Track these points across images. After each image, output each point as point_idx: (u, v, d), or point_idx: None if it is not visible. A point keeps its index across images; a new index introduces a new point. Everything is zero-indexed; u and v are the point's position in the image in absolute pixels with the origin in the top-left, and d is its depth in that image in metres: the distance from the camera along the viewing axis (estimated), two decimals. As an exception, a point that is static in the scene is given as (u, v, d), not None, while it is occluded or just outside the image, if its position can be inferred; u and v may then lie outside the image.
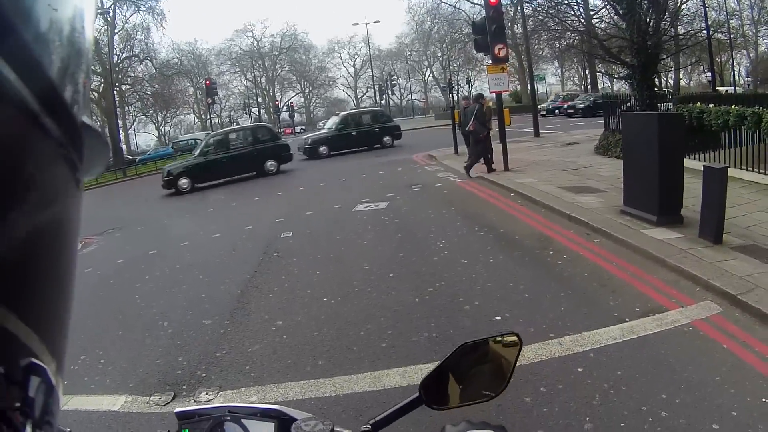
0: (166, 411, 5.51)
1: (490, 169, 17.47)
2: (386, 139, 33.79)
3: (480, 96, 19.34)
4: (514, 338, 1.43)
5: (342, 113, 38.88)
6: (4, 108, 0.38)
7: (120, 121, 62.71)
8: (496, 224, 11.19)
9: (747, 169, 11.46)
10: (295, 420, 1.51)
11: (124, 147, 58.29)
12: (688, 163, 10.44)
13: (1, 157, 0.38)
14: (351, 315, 7.39)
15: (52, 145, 0.44)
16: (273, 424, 1.52)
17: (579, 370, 5.28)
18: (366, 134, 33.67)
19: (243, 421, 1.53)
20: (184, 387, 5.96)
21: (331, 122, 35.75)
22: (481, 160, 17.68)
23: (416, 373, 5.60)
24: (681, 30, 20.91)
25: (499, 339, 1.45)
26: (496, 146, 17.79)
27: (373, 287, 8.34)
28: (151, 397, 5.81)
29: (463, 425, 1.26)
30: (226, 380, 5.99)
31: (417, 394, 1.39)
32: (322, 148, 31.41)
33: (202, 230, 14.62)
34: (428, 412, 1.48)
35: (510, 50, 20.04)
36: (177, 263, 11.35)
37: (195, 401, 5.61)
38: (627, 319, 6.27)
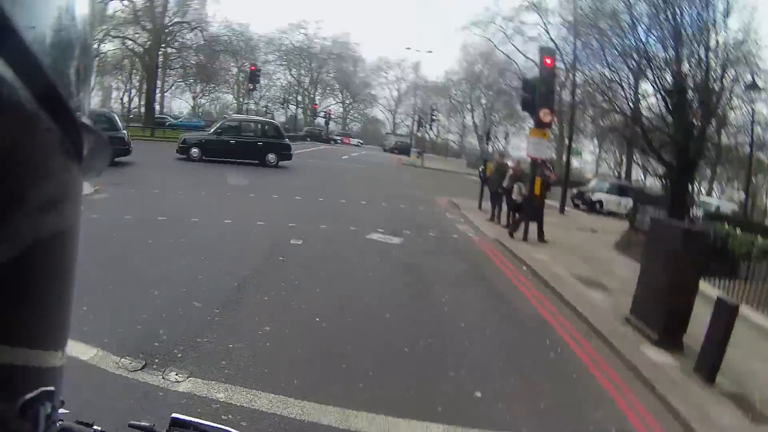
0: (132, 377, 5.51)
1: (512, 234, 17.55)
2: (270, 156, 30.59)
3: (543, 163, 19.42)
4: None
5: (227, 116, 40.18)
6: (4, 108, 0.38)
7: (159, 82, 63.14)
8: (502, 295, 11.07)
9: (759, 311, 11.13)
10: None
11: (158, 107, 58.53)
12: (703, 285, 10.19)
13: (2, 157, 0.39)
14: (338, 345, 7.30)
15: (53, 144, 0.45)
16: None
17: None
18: (246, 146, 30.31)
19: None
20: (156, 360, 5.92)
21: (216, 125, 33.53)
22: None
23: (384, 424, 5.54)
24: (725, 140, 20.73)
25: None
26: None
27: (367, 323, 8.28)
28: (122, 359, 5.80)
29: None
30: (200, 368, 5.93)
31: None
32: (194, 151, 29.31)
33: (215, 212, 14.61)
34: None
35: (554, 117, 19.83)
36: (183, 237, 11.33)
37: (163, 377, 5.58)
38: (601, 438, 6.16)
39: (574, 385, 7.47)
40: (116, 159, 21.95)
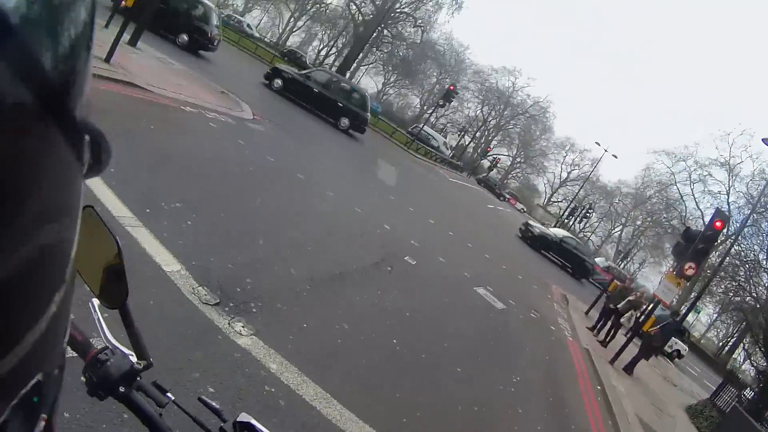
0: (200, 308, 5.50)
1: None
2: (344, 121, 30.46)
3: (675, 314, 20.55)
4: None
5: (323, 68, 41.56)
6: (4, 108, 0.38)
7: (361, 54, 64.97)
8: (567, 412, 10.16)
9: None
10: None
11: (348, 74, 60.14)
12: None
13: (2, 157, 0.38)
14: (406, 377, 7.12)
15: (53, 144, 0.44)
16: None
17: None
18: (326, 101, 29.94)
19: None
20: (230, 304, 5.89)
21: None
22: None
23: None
24: None
25: None
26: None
27: (437, 370, 8.00)
28: (200, 288, 5.80)
29: None
30: (267, 331, 5.85)
31: None
32: (277, 81, 29.21)
33: (354, 195, 14.74)
34: None
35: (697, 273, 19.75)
36: (331, 190, 11.49)
37: (229, 323, 5.55)
38: None
39: None
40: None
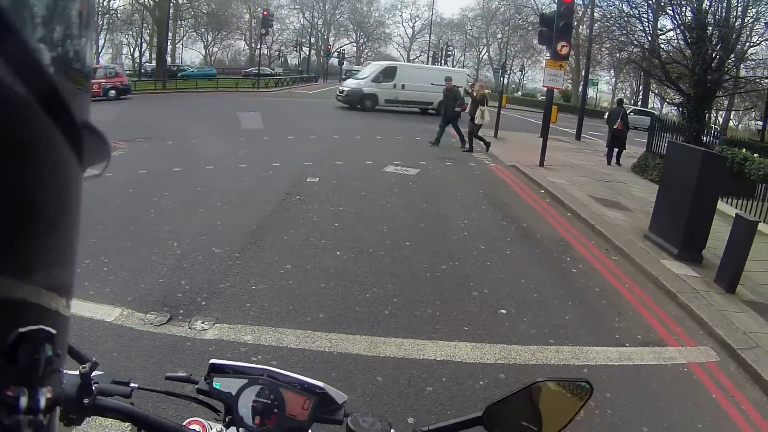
0: (158, 332, 5.51)
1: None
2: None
3: (620, 102, 20.86)
4: (587, 386, 1.35)
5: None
6: (4, 108, 0.38)
7: (170, 34, 62.69)
8: (520, 217, 11.08)
9: None
10: (334, 400, 1.46)
11: (169, 59, 58.27)
12: (720, 205, 10.25)
13: (2, 157, 0.39)
14: (360, 274, 7.35)
15: (52, 145, 0.45)
16: (312, 400, 1.45)
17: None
18: None
19: (280, 389, 1.45)
20: (181, 311, 5.94)
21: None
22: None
23: (412, 347, 5.59)
24: (743, 72, 20.58)
25: (570, 383, 1.38)
26: (532, 140, 17.77)
27: (387, 251, 8.30)
28: (147, 315, 5.80)
29: None
30: (225, 313, 5.96)
31: (479, 414, 1.33)
32: None
33: (230, 157, 14.55)
34: None
35: (570, 49, 20.06)
36: (199, 185, 11.30)
37: (190, 327, 5.61)
38: (627, 344, 6.22)
39: (597, 297, 7.49)
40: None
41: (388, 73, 32.21)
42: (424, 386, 4.96)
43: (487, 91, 20.15)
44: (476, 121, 19.23)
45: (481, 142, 19.64)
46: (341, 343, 5.56)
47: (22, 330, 0.45)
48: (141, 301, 6.09)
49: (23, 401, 0.46)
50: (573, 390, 1.37)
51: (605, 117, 21.70)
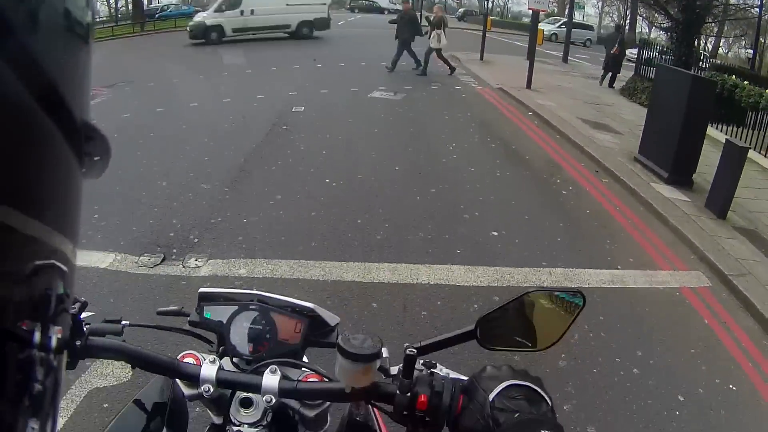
0: (153, 273, 5.53)
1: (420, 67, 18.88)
2: None
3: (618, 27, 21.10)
4: (579, 297, 1.35)
5: None
6: (4, 108, 0.38)
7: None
8: (509, 139, 11.07)
9: (766, 156, 11.23)
10: (326, 323, 1.47)
11: (145, 1, 57.00)
12: (710, 130, 10.20)
13: (2, 157, 0.38)
14: (351, 201, 7.39)
15: (52, 145, 0.45)
16: (303, 323, 1.45)
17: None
18: None
19: (271, 314, 1.46)
20: (174, 250, 5.95)
21: None
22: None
23: (406, 272, 5.65)
24: (733, 0, 20.25)
25: (563, 294, 1.38)
26: (519, 63, 17.55)
27: (376, 177, 8.32)
28: (141, 257, 5.80)
29: (504, 369, 1.19)
30: (218, 248, 5.99)
31: (471, 328, 1.32)
32: None
33: (213, 93, 14.39)
34: (473, 349, 1.41)
35: None
36: (183, 124, 11.20)
37: (183, 266, 5.63)
38: (619, 267, 6.30)
39: (588, 219, 7.54)
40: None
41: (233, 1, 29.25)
42: (419, 311, 5.03)
43: (443, 14, 19.45)
44: (432, 45, 18.76)
45: (422, 66, 19.05)
46: (335, 271, 5.62)
47: (38, 263, 0.45)
48: (134, 244, 6.08)
49: (37, 336, 0.46)
50: (565, 300, 1.38)
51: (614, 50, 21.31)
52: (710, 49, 50.53)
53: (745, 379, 4.73)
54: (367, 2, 73.18)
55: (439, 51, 18.77)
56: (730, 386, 4.58)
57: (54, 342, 0.50)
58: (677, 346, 5.02)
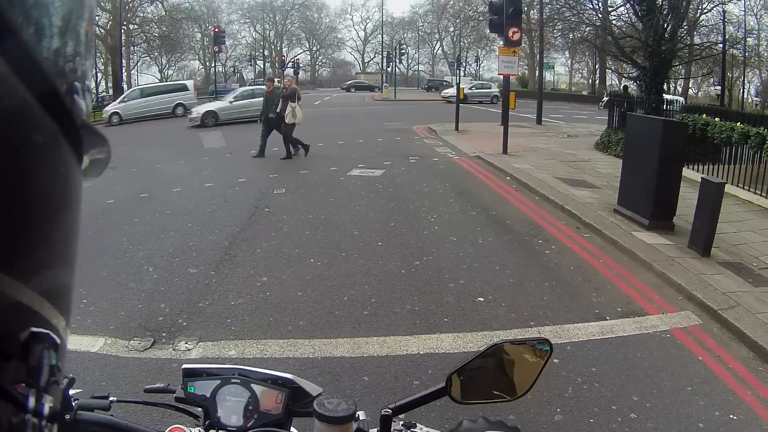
0: (144, 357, 5.53)
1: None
2: None
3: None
4: (546, 346, 1.42)
5: None
6: (4, 108, 0.38)
7: (124, 60, 61.99)
8: (488, 205, 11.23)
9: (744, 188, 11.46)
10: (308, 393, 1.51)
11: (125, 86, 57.51)
12: (686, 172, 10.46)
13: (2, 157, 0.39)
14: (336, 279, 7.42)
15: (52, 145, 0.45)
16: (284, 393, 1.50)
17: (555, 361, 5.28)
18: None
19: (252, 386, 1.51)
20: (164, 334, 5.96)
21: None
22: None
23: (396, 344, 5.67)
24: (697, 40, 20.84)
25: (531, 343, 1.45)
26: (494, 129, 17.77)
27: (360, 253, 8.39)
28: (131, 342, 5.79)
29: (480, 422, 1.25)
30: (207, 331, 6.00)
31: (443, 385, 1.39)
32: None
33: (195, 177, 14.49)
34: (448, 403, 1.47)
35: (523, 34, 20.16)
36: (167, 209, 11.27)
37: (174, 349, 5.63)
38: (607, 318, 6.36)
39: (573, 275, 7.63)
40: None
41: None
42: (410, 380, 5.05)
43: (296, 86, 18.40)
44: (287, 120, 16.85)
45: (300, 146, 17.62)
46: (325, 348, 5.63)
47: (34, 330, 0.46)
48: (123, 328, 6.09)
49: (31, 401, 0.47)
50: (533, 348, 1.43)
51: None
52: (680, 92, 51.53)
53: (745, 408, 4.77)
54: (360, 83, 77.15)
55: (292, 128, 17.13)
56: (731, 416, 4.61)
57: (47, 410, 0.51)
58: (673, 386, 5.06)
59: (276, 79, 19.87)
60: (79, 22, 0.49)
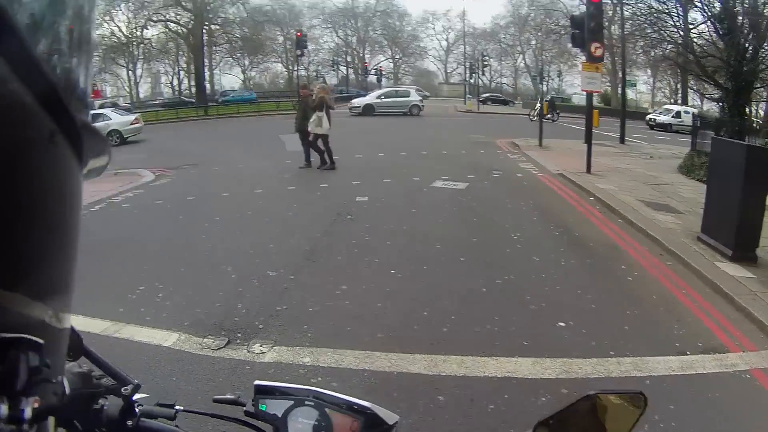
0: (217, 356, 5.54)
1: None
2: None
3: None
4: (641, 398, 1.29)
5: None
6: (4, 108, 0.38)
7: (206, 60, 63.60)
8: (572, 226, 10.94)
9: None
10: (384, 421, 1.41)
11: (208, 86, 59.13)
12: None
13: (2, 157, 0.39)
14: (417, 293, 7.31)
15: (52, 145, 0.45)
16: (359, 421, 1.40)
17: (635, 397, 5.05)
18: None
19: (326, 410, 1.42)
20: (239, 335, 5.96)
21: None
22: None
23: (474, 365, 5.51)
24: None
25: (624, 395, 1.32)
26: (577, 146, 17.46)
27: (442, 268, 8.25)
28: (205, 339, 5.83)
29: None
30: (283, 335, 5.97)
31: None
32: None
33: (277, 181, 14.64)
34: None
35: (605, 50, 19.83)
36: (249, 209, 11.40)
37: (248, 351, 5.62)
38: (688, 353, 6.04)
39: (655, 305, 7.33)
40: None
41: None
42: (486, 404, 4.89)
43: (328, 94, 17.42)
44: (310, 129, 16.28)
45: (327, 158, 16.87)
46: (401, 363, 5.51)
47: (2, 336, 0.45)
48: (198, 325, 6.15)
49: (3, 410, 0.47)
50: (626, 402, 1.33)
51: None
52: (762, 116, 49.83)
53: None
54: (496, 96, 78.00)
55: (318, 138, 16.62)
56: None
57: (28, 413, 0.50)
58: (752, 429, 4.79)
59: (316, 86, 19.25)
60: (79, 72, 0.49)
